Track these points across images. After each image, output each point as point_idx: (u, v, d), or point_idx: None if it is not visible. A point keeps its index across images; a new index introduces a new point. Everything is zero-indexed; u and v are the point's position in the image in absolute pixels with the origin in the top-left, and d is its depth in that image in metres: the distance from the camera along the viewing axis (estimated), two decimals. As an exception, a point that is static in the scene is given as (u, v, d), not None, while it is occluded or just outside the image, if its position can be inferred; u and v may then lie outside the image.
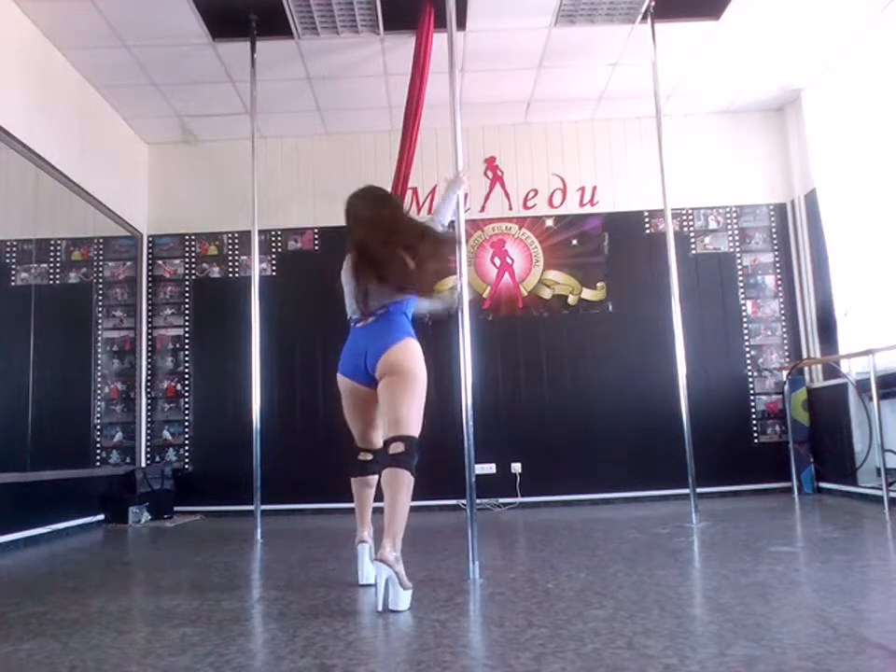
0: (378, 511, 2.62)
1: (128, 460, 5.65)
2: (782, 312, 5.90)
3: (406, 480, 2.52)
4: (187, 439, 5.84)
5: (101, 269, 5.60)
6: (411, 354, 2.67)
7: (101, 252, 5.59)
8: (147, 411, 5.87)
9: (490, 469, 5.53)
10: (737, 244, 5.97)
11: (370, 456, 2.86)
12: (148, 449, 5.83)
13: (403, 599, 2.38)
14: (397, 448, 2.55)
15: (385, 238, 2.73)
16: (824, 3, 4.56)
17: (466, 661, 1.85)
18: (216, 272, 6.02)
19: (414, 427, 2.61)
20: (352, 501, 2.90)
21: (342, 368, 2.83)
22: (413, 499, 2.54)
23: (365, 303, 2.73)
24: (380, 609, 2.37)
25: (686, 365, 4.59)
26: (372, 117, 5.85)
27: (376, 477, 2.78)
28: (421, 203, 5.93)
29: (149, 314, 5.96)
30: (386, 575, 2.37)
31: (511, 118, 6.00)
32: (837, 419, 5.24)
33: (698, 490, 4.46)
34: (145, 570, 3.62)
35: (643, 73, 5.14)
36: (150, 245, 6.05)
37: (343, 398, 2.86)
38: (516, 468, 5.61)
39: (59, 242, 5.08)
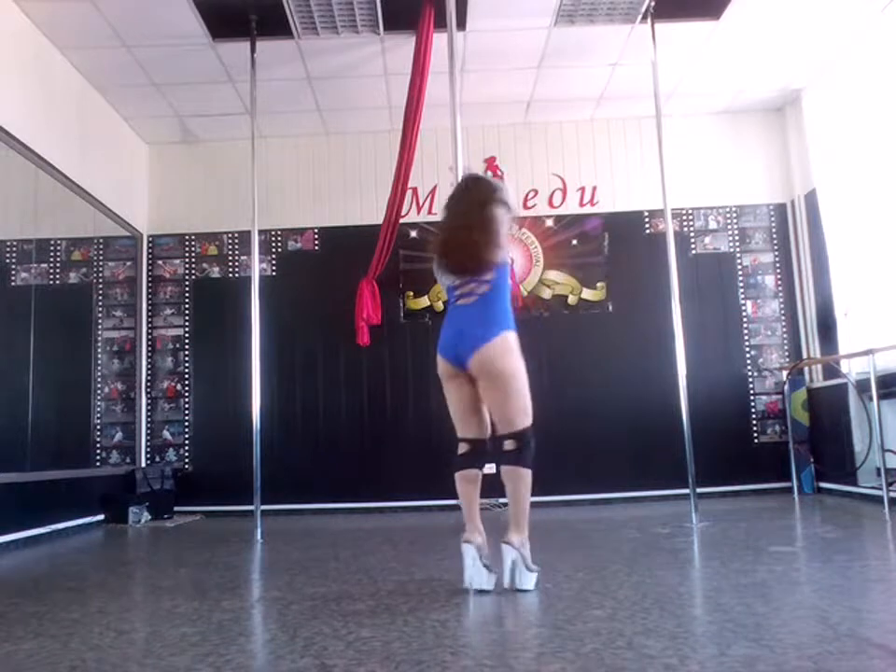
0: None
1: (128, 460, 5.65)
2: (782, 312, 5.90)
3: (522, 474, 2.70)
4: (187, 439, 5.84)
5: (101, 269, 5.60)
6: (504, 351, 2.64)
7: (101, 252, 5.59)
8: (147, 411, 5.87)
9: (490, 469, 5.50)
10: (737, 244, 5.97)
11: (467, 448, 2.85)
12: (148, 449, 5.83)
13: (528, 579, 2.56)
14: (509, 446, 2.70)
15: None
16: (824, 3, 4.56)
17: (466, 661, 1.85)
18: (216, 272, 6.01)
19: (522, 421, 2.68)
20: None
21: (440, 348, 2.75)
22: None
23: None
24: (506, 586, 2.55)
25: (686, 365, 4.59)
26: (372, 117, 5.85)
27: (479, 472, 2.85)
28: (421, 204, 5.93)
29: (149, 314, 5.96)
30: (512, 557, 2.56)
31: (511, 118, 6.00)
32: (837, 419, 5.23)
33: (698, 490, 4.46)
34: (145, 570, 3.61)
35: (643, 73, 5.13)
36: (150, 245, 6.05)
37: (442, 379, 2.80)
38: (516, 468, 5.59)
39: (59, 242, 5.08)
